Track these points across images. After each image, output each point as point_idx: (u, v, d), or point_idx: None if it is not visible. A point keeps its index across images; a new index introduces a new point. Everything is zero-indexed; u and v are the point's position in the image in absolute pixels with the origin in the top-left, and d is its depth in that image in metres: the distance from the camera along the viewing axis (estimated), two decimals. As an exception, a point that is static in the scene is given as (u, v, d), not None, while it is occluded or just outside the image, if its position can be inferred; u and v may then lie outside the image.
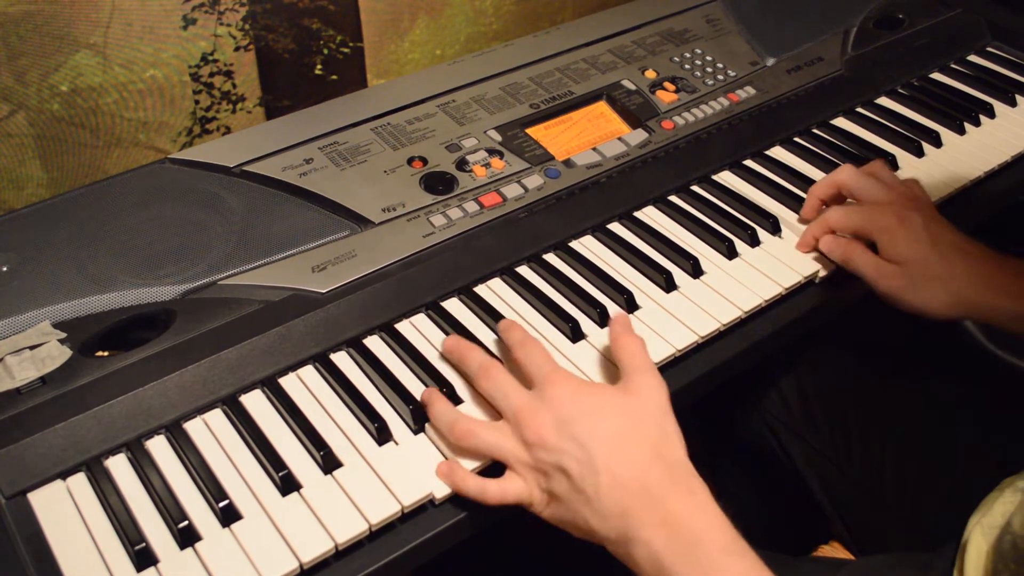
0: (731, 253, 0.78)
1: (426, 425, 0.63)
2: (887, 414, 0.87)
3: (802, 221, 0.81)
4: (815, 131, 0.94)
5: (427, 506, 0.60)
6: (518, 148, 0.85)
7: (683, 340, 0.70)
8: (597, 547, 0.58)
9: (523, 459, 0.58)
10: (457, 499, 0.60)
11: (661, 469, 0.56)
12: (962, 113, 0.97)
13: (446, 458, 0.61)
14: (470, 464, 0.60)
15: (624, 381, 0.61)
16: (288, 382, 0.66)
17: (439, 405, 0.62)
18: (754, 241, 0.79)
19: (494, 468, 0.61)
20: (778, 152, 0.91)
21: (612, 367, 0.67)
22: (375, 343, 0.69)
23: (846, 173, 0.78)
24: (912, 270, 0.72)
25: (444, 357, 0.68)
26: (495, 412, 0.63)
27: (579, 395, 0.59)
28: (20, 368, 0.63)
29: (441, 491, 0.59)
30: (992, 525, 0.65)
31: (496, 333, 0.69)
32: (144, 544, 0.55)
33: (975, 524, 0.67)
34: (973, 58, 1.08)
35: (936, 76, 1.04)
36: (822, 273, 0.77)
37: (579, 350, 0.69)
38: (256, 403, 0.64)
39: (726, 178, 0.87)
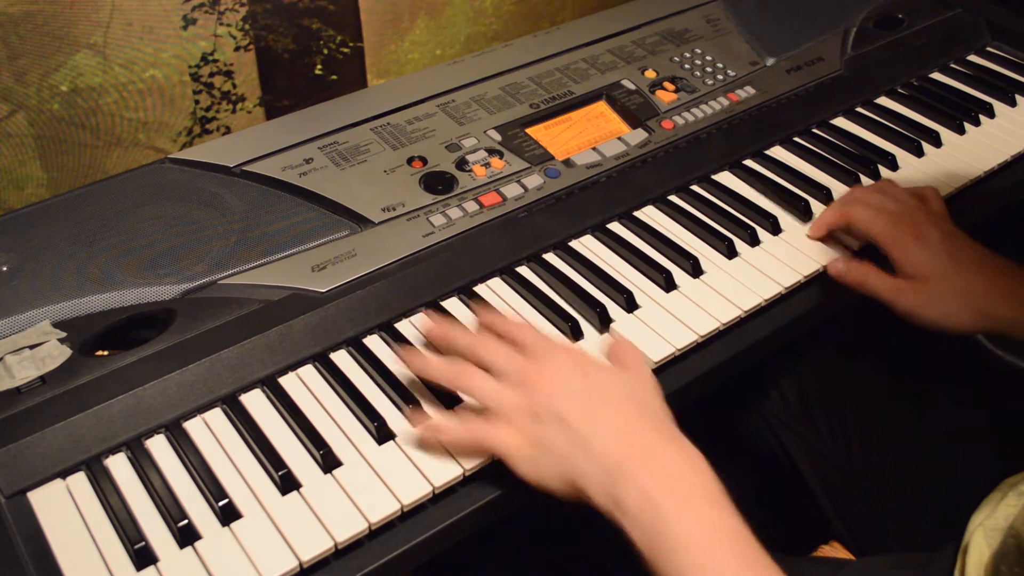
0: (731, 252, 0.78)
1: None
2: (887, 414, 0.88)
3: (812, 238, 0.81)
4: (815, 131, 0.94)
5: (427, 505, 0.60)
6: (518, 148, 0.85)
7: (683, 339, 0.70)
8: (598, 548, 0.58)
9: (517, 403, 0.59)
10: (456, 497, 0.60)
11: (656, 428, 0.58)
12: (962, 113, 0.97)
13: (452, 455, 0.61)
14: (475, 461, 0.60)
15: (615, 361, 0.64)
16: (288, 381, 0.66)
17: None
18: (754, 240, 0.79)
19: (499, 466, 0.61)
20: (778, 152, 0.91)
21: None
22: (375, 342, 0.69)
23: (857, 197, 0.77)
24: (930, 287, 0.72)
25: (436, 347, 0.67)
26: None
27: (578, 357, 0.62)
28: (20, 367, 0.63)
29: (441, 484, 0.59)
30: (994, 528, 0.65)
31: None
32: (144, 543, 0.55)
33: (977, 526, 0.66)
34: (973, 58, 1.08)
35: (936, 76, 1.04)
36: (822, 272, 0.77)
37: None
38: (256, 402, 0.64)
39: (726, 178, 0.87)
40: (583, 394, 0.59)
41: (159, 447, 0.61)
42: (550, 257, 0.78)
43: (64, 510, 0.57)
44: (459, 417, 0.62)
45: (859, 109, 0.98)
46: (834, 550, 0.90)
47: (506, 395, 0.60)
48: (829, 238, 0.79)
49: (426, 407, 0.64)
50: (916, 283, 0.72)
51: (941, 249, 0.73)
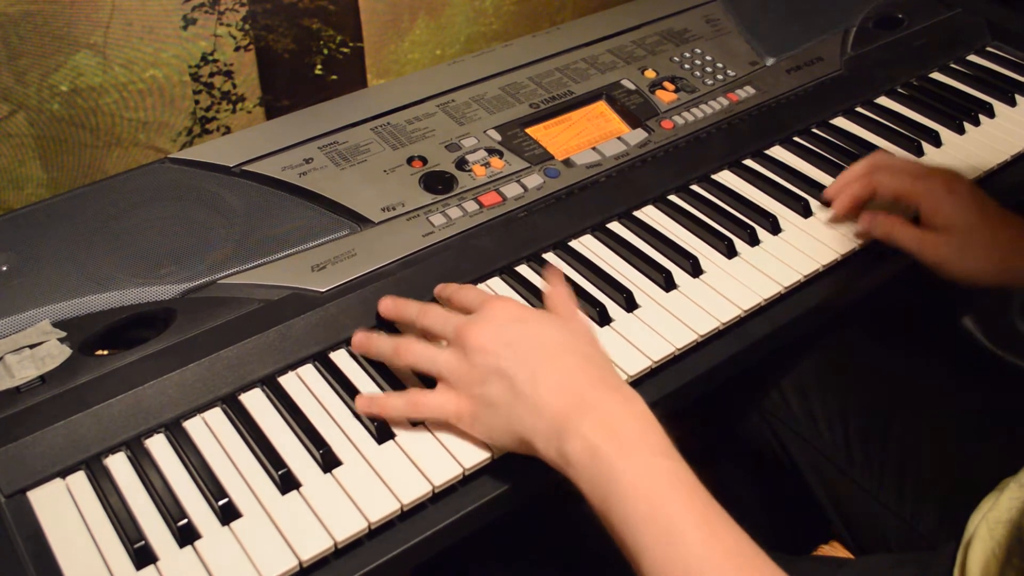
0: (731, 252, 0.78)
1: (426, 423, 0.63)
2: (887, 414, 0.87)
3: (836, 217, 0.82)
4: (815, 131, 0.94)
5: (426, 504, 0.60)
6: (518, 148, 0.85)
7: (683, 339, 0.70)
8: (599, 549, 0.57)
9: (458, 367, 0.59)
10: (456, 496, 0.60)
11: (600, 378, 0.58)
12: (962, 113, 0.97)
13: (447, 450, 0.61)
14: (479, 456, 0.60)
15: (554, 312, 0.64)
16: (287, 381, 0.66)
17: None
18: (753, 240, 0.79)
19: (504, 460, 0.61)
20: (778, 152, 0.91)
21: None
22: (375, 342, 0.69)
23: (879, 164, 0.80)
24: (957, 238, 0.75)
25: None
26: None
27: (518, 309, 0.61)
28: (20, 367, 0.63)
29: (441, 484, 0.59)
30: (998, 520, 0.65)
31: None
32: (144, 542, 0.55)
33: (980, 520, 0.66)
34: (973, 58, 1.08)
35: (936, 76, 1.04)
36: (822, 271, 0.77)
37: (579, 349, 0.69)
38: (255, 402, 0.64)
39: (726, 177, 0.87)
40: (522, 345, 0.58)
41: (159, 447, 0.61)
42: (550, 257, 0.78)
43: (64, 510, 0.57)
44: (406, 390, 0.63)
45: (859, 109, 0.98)
46: (834, 550, 0.90)
47: (444, 357, 0.60)
48: (837, 234, 0.80)
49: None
50: (943, 234, 0.75)
51: (970, 201, 0.75)
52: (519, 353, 0.58)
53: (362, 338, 0.65)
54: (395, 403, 0.61)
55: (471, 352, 0.59)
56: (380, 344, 0.64)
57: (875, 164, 0.81)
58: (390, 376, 0.65)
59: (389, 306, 0.68)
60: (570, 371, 0.57)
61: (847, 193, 0.80)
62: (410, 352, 0.62)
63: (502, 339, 0.59)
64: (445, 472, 0.60)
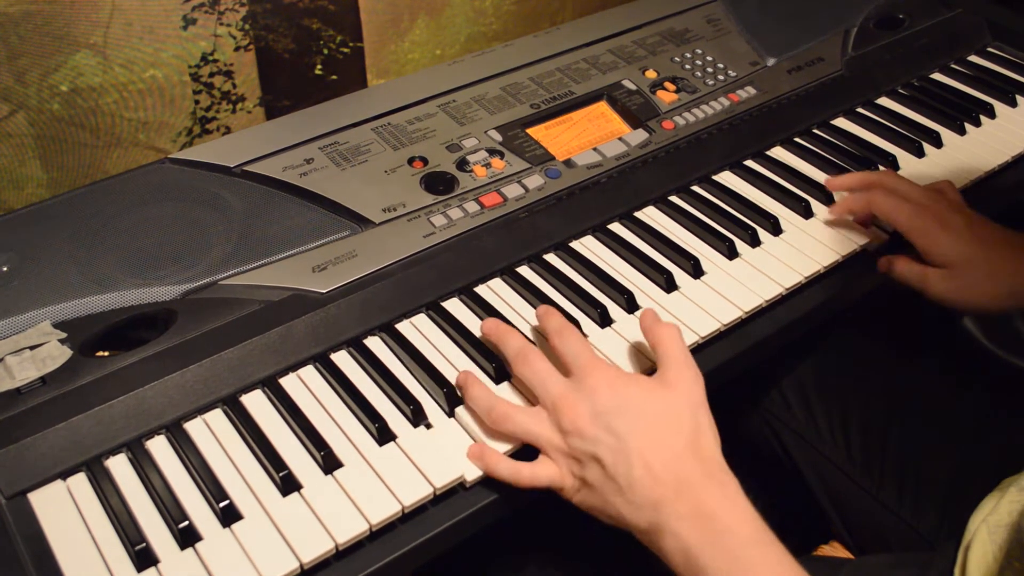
0: (732, 253, 0.78)
1: (427, 421, 0.63)
2: (887, 414, 0.88)
3: (831, 220, 0.82)
4: (815, 131, 0.94)
5: (427, 506, 0.60)
6: (519, 148, 0.85)
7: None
8: (599, 550, 0.58)
9: (558, 445, 0.59)
10: (457, 499, 0.60)
11: (694, 463, 0.57)
12: (962, 113, 0.97)
13: (449, 452, 0.61)
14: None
15: (661, 373, 0.61)
16: (288, 382, 0.66)
17: (476, 388, 0.62)
18: (755, 241, 0.79)
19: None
20: (778, 152, 0.91)
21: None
22: (375, 343, 0.69)
23: (879, 182, 0.79)
24: (959, 272, 0.74)
25: (476, 343, 0.68)
26: (524, 397, 0.64)
27: (616, 386, 0.59)
28: (20, 368, 0.63)
29: (442, 486, 0.59)
30: (998, 524, 0.65)
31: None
32: (144, 544, 0.55)
33: (980, 522, 0.66)
34: (973, 58, 1.08)
35: (936, 76, 1.04)
36: (823, 272, 0.77)
37: (580, 350, 0.69)
38: (256, 403, 0.64)
39: (726, 178, 0.87)
40: (619, 430, 0.57)
41: (160, 448, 0.61)
42: (551, 258, 0.78)
43: (65, 511, 0.57)
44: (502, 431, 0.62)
45: (860, 109, 0.98)
46: (834, 550, 0.90)
47: (546, 433, 0.59)
48: (838, 235, 0.80)
49: (428, 409, 0.64)
50: (945, 270, 0.75)
51: (967, 234, 0.74)
52: (616, 440, 0.57)
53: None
54: (504, 469, 0.60)
55: (568, 435, 0.58)
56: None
57: (877, 181, 0.80)
58: (392, 379, 0.65)
59: (492, 329, 0.66)
60: (666, 459, 0.56)
61: (843, 204, 0.80)
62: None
63: (599, 423, 0.58)
64: (446, 474, 0.60)
